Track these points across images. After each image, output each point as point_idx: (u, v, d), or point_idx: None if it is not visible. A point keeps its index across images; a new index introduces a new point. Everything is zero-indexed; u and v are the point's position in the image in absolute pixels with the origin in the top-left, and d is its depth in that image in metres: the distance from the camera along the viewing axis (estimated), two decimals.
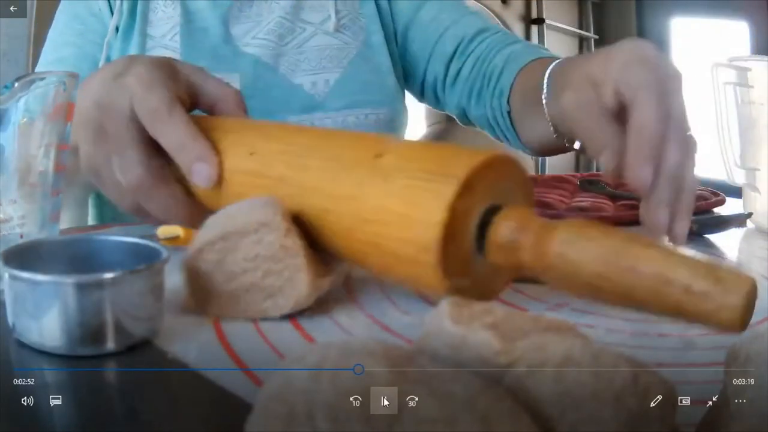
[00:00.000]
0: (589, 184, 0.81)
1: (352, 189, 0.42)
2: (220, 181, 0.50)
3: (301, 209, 0.44)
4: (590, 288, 0.35)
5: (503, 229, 0.39)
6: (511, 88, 0.80)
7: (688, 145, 0.48)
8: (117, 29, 0.85)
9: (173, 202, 0.52)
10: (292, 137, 0.50)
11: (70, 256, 0.41)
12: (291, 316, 0.43)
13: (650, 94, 0.48)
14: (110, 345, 0.37)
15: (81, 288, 0.35)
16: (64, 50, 0.86)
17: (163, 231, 0.56)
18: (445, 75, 0.90)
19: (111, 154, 0.52)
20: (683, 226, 0.48)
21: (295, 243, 0.41)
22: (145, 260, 0.39)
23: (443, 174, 0.39)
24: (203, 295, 0.43)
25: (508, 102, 0.80)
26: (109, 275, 0.36)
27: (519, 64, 0.80)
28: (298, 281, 0.41)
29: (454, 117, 0.94)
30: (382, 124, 0.89)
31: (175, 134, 0.50)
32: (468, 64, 0.88)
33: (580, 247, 0.36)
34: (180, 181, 0.52)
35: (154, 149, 0.51)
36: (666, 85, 0.48)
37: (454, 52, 0.89)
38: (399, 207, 0.40)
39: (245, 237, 0.41)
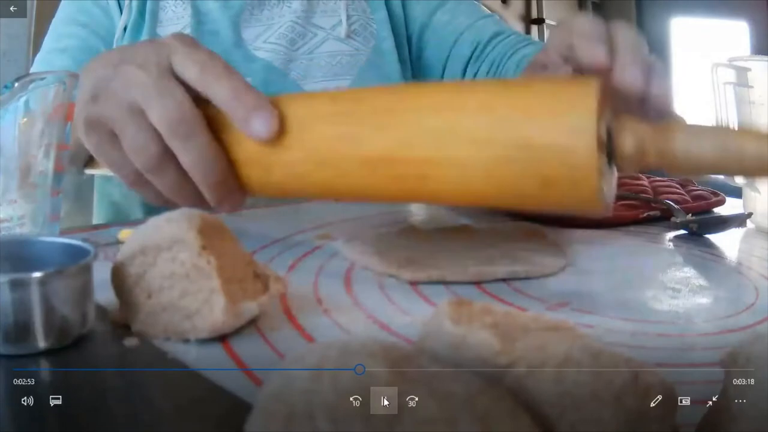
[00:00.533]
0: None
1: (484, 99, 0.44)
2: (283, 134, 0.48)
3: (409, 140, 0.45)
4: (708, 171, 0.43)
5: (629, 137, 0.43)
6: None
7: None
8: (125, 28, 0.85)
9: (211, 149, 0.48)
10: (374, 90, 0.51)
11: (6, 257, 0.41)
12: (290, 317, 0.43)
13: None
14: (41, 344, 0.36)
15: (10, 287, 0.35)
16: (68, 41, 0.85)
17: (125, 235, 0.56)
18: (462, 78, 0.92)
19: (144, 98, 0.48)
20: (659, 85, 0.48)
21: (209, 263, 0.38)
22: (75, 260, 0.38)
23: (576, 82, 0.44)
24: (128, 310, 0.40)
25: None
26: (36, 274, 0.36)
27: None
28: (215, 305, 0.38)
29: None
30: None
31: (228, 83, 0.48)
32: (483, 69, 0.89)
33: (698, 144, 0.42)
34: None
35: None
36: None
37: (470, 56, 0.91)
38: (543, 104, 0.42)
39: (162, 252, 0.39)
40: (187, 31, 0.84)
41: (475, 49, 0.91)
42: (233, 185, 0.50)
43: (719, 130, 0.43)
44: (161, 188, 0.50)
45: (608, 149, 0.44)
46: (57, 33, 0.87)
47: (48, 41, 0.87)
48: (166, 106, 0.47)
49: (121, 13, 0.85)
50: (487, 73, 0.89)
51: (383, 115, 0.47)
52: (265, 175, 0.50)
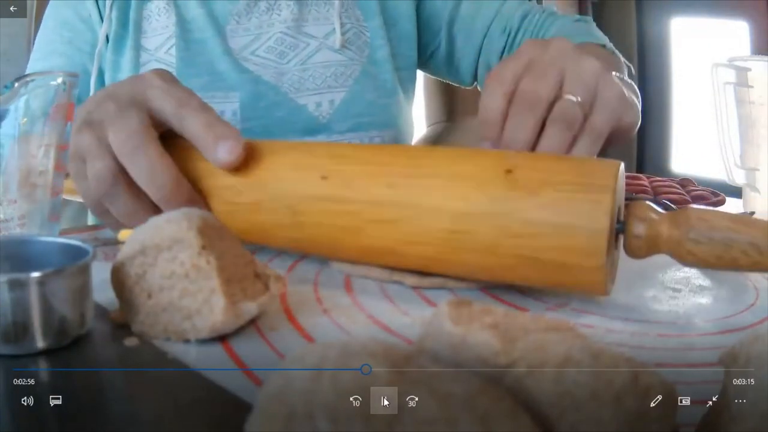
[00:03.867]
0: None
1: (492, 206, 0.43)
2: (289, 210, 0.48)
3: (412, 231, 0.45)
4: (713, 263, 0.42)
5: (638, 227, 0.44)
6: None
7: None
8: (107, 39, 0.82)
9: (160, 162, 0.49)
10: (366, 156, 0.49)
11: (5, 257, 0.40)
12: (290, 317, 0.43)
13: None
14: (39, 344, 0.36)
15: (9, 286, 0.35)
16: (54, 59, 0.83)
17: (124, 235, 0.56)
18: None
19: (107, 125, 0.50)
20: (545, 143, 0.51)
21: (209, 263, 0.38)
22: (74, 260, 0.38)
23: (592, 184, 0.42)
24: (128, 310, 0.40)
25: None
26: (35, 274, 0.36)
27: None
28: (215, 305, 0.38)
29: None
30: None
31: (203, 117, 0.50)
32: None
33: (708, 238, 0.42)
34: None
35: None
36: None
37: (504, 48, 0.91)
38: (556, 218, 0.42)
39: (162, 252, 0.39)
40: (173, 41, 0.81)
41: (507, 38, 0.91)
42: (186, 197, 0.50)
43: (733, 221, 0.42)
44: (118, 216, 0.51)
45: (618, 230, 0.44)
46: (43, 50, 0.85)
47: (35, 56, 0.85)
48: (121, 126, 0.49)
49: (102, 21, 0.82)
50: None
51: (376, 209, 0.46)
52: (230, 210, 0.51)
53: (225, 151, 0.49)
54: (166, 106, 0.51)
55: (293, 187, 0.49)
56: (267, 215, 0.49)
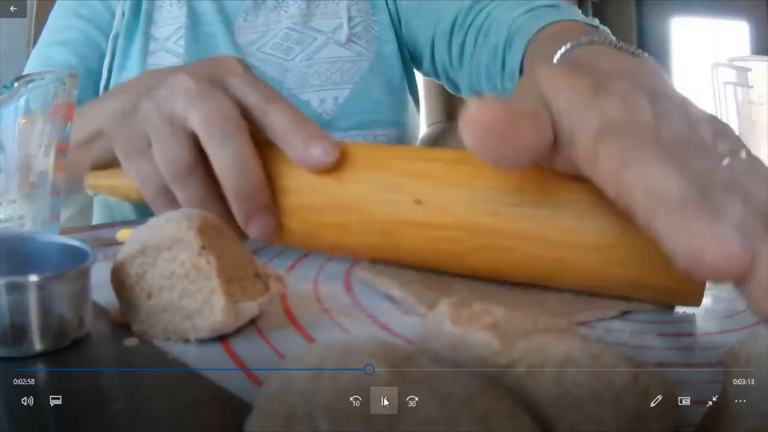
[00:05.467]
0: None
1: (599, 239, 0.42)
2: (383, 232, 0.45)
3: (517, 259, 0.43)
4: None
5: None
6: (521, 69, 0.69)
7: None
8: (118, 33, 0.83)
9: (250, 155, 0.45)
10: (459, 179, 0.45)
11: (4, 256, 0.40)
12: (290, 317, 0.43)
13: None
14: (37, 346, 0.36)
15: (7, 289, 0.35)
16: (68, 33, 0.83)
17: (124, 235, 0.56)
18: (450, 55, 0.83)
19: (186, 102, 0.45)
20: None
21: (209, 263, 0.38)
22: (73, 261, 0.38)
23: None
24: (128, 310, 0.40)
25: None
26: (33, 278, 0.36)
27: (526, 37, 0.68)
28: (215, 304, 0.38)
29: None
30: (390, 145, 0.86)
31: (291, 112, 0.46)
32: (470, 39, 0.80)
33: None
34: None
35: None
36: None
37: (452, 27, 0.81)
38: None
39: (162, 252, 0.39)
40: (182, 32, 0.82)
41: (456, 18, 0.80)
42: (266, 202, 0.47)
43: None
44: (183, 201, 0.47)
45: None
46: (56, 26, 0.84)
47: (46, 34, 0.85)
48: (209, 107, 0.45)
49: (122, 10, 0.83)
50: (475, 42, 0.79)
51: (477, 237, 0.44)
52: (310, 210, 0.47)
53: (319, 152, 0.45)
54: (251, 96, 0.46)
55: (385, 210, 0.45)
56: (357, 237, 0.47)
